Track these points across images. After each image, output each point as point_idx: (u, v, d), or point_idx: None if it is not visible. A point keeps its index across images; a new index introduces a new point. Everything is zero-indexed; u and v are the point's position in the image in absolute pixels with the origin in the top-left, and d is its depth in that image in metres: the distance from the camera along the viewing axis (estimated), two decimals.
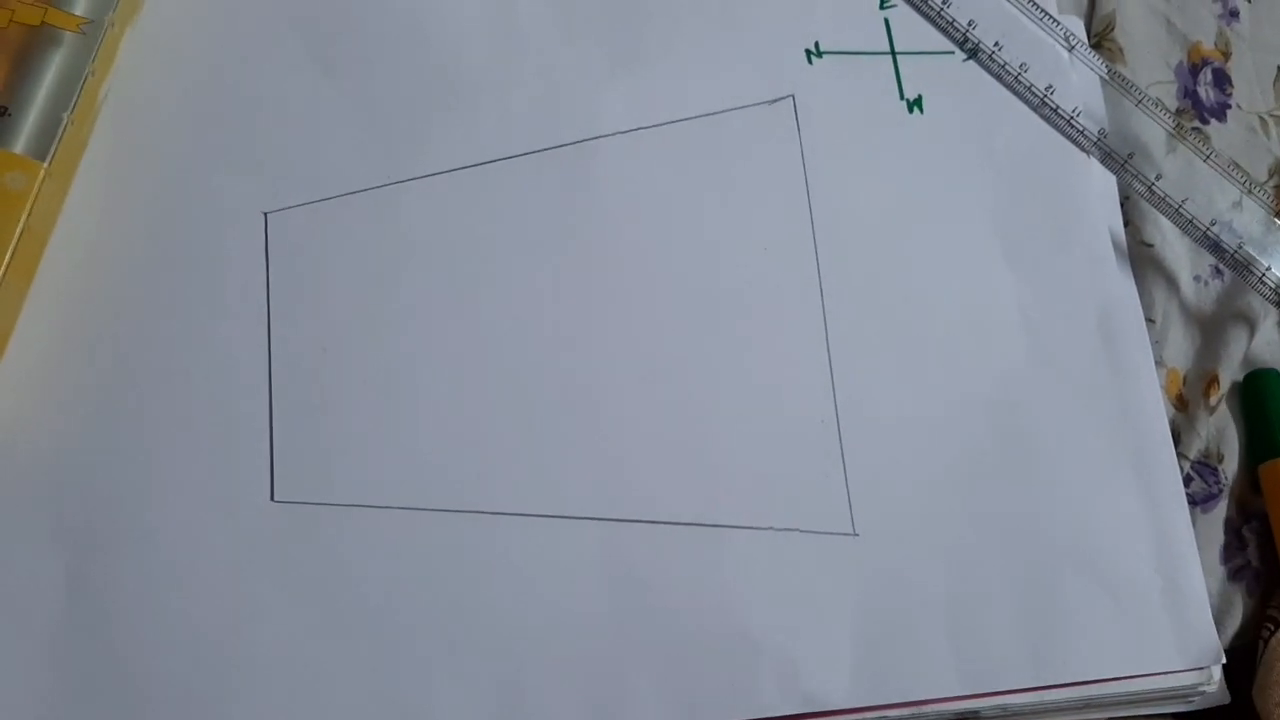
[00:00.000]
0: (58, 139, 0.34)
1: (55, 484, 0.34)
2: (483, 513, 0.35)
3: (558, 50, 0.40)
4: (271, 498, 0.34)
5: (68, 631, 0.33)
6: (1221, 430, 0.41)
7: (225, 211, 0.37)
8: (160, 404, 0.35)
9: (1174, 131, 0.42)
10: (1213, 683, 0.37)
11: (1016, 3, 0.42)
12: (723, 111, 0.40)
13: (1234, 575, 0.40)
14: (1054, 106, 0.42)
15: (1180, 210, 0.41)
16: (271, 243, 0.36)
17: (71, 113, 0.34)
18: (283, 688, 0.33)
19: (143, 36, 0.38)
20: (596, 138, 0.39)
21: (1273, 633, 0.38)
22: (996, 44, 0.42)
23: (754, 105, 0.40)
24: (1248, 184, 0.41)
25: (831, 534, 0.36)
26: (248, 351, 0.35)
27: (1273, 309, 0.42)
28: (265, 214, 0.37)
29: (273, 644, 0.33)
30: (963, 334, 0.39)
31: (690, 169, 0.39)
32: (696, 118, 0.39)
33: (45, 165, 0.34)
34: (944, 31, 0.42)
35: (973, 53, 0.42)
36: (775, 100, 0.40)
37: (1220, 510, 0.40)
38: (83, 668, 0.32)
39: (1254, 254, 0.41)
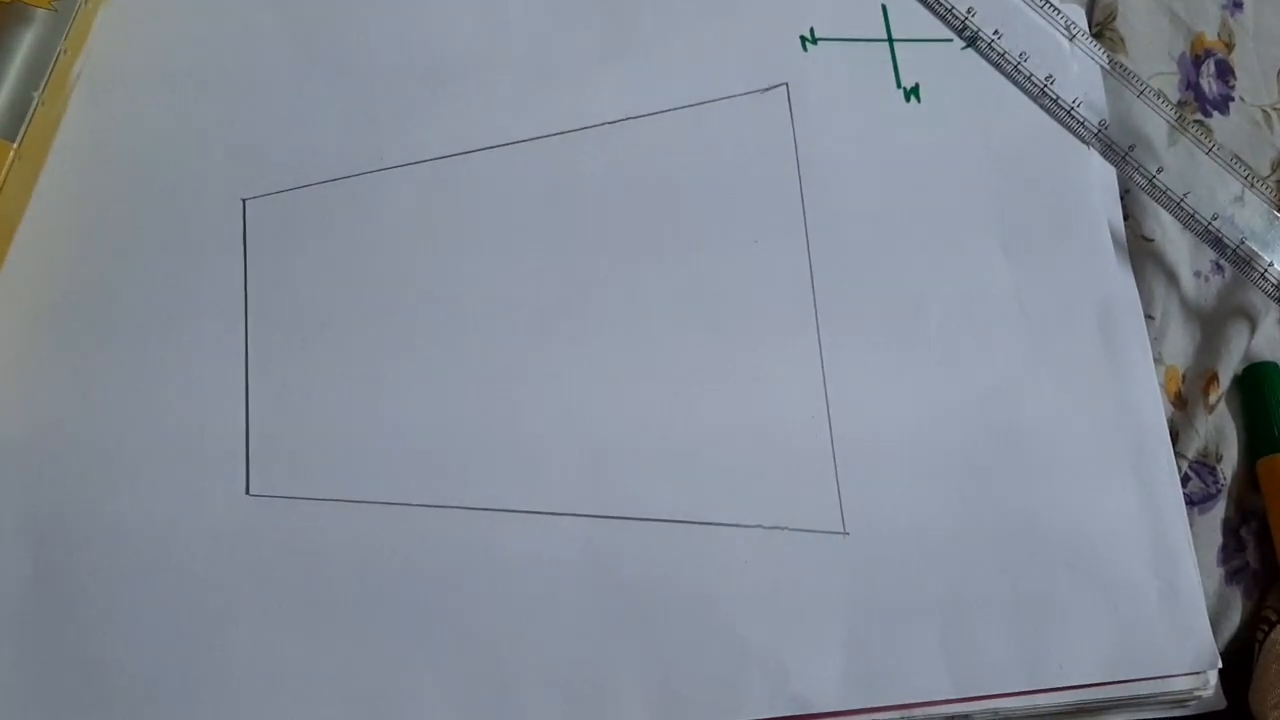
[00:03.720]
0: (28, 119, 0.33)
1: (24, 474, 0.33)
2: (464, 508, 0.34)
3: (547, 37, 0.39)
4: (247, 491, 0.34)
5: (35, 625, 0.32)
6: (1220, 429, 0.41)
7: (202, 197, 0.36)
8: (133, 393, 0.34)
9: (1176, 124, 0.41)
10: (1209, 687, 0.37)
11: None
12: (714, 100, 0.39)
13: (1232, 577, 0.39)
14: (1054, 97, 0.41)
15: (1181, 204, 0.41)
16: (250, 230, 0.36)
17: (42, 92, 0.33)
18: (257, 683, 0.32)
19: (117, 15, 0.37)
20: (585, 127, 0.38)
21: (1267, 634, 0.38)
22: (996, 32, 0.41)
23: (747, 94, 0.39)
24: (1250, 178, 0.41)
25: (821, 532, 0.36)
26: (224, 341, 0.35)
27: (1274, 305, 0.41)
28: (244, 200, 0.36)
29: (247, 639, 0.33)
30: (958, 328, 0.38)
31: (680, 159, 0.38)
32: (687, 107, 0.39)
33: (15, 146, 0.33)
34: (943, 19, 0.42)
35: (972, 40, 0.42)
36: (768, 89, 0.40)
37: (1218, 511, 0.40)
38: (50, 662, 0.32)
39: (1256, 249, 0.40)
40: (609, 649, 0.34)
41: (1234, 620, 0.39)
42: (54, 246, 0.35)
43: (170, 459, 0.33)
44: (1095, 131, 0.41)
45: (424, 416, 0.35)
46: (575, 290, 0.37)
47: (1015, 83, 0.41)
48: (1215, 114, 0.44)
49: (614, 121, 0.38)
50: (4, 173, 0.33)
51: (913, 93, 0.41)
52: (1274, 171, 0.44)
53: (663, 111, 0.39)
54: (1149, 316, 0.40)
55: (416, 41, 0.38)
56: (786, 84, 0.40)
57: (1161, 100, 0.41)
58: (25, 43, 0.34)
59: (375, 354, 0.35)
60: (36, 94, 0.33)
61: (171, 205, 0.36)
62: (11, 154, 0.33)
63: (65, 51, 0.34)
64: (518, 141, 0.38)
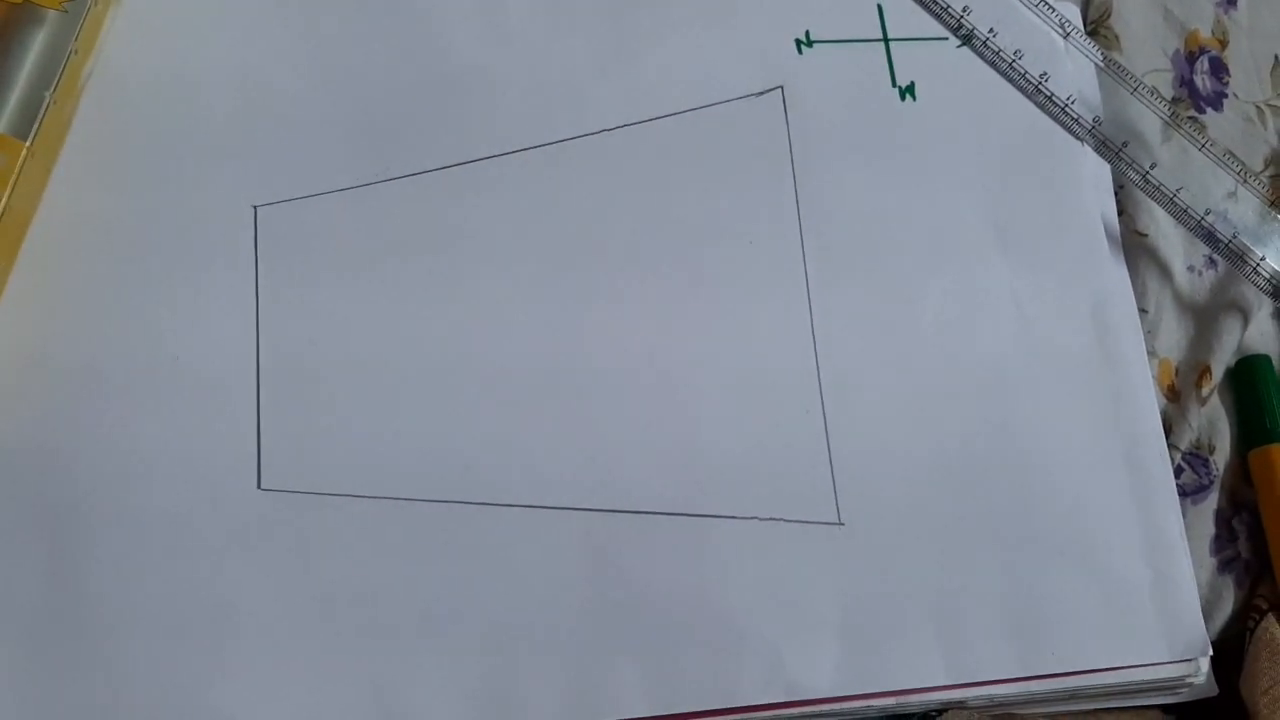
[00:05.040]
0: (40, 118, 0.34)
1: (39, 469, 0.33)
2: (468, 503, 0.35)
3: (547, 46, 0.39)
4: (258, 486, 0.34)
5: (50, 617, 0.32)
6: (1213, 421, 0.41)
7: (214, 201, 0.36)
8: (147, 390, 0.34)
9: (1169, 120, 0.41)
10: (1200, 674, 0.37)
11: None
12: (710, 105, 0.39)
13: (1224, 567, 0.40)
14: (1048, 94, 0.41)
15: (1175, 199, 0.41)
16: (261, 236, 0.36)
17: (54, 92, 0.34)
18: (267, 675, 0.33)
19: (127, 18, 0.37)
20: (585, 135, 0.38)
21: (1258, 622, 0.38)
22: (991, 30, 0.42)
23: (742, 98, 0.40)
24: (1243, 173, 0.41)
25: (817, 523, 0.36)
26: (236, 340, 0.35)
27: (1266, 299, 0.42)
28: (255, 207, 0.36)
29: (257, 631, 0.33)
30: (954, 323, 0.39)
31: (677, 163, 0.39)
32: (684, 112, 0.39)
33: (27, 145, 0.33)
34: (938, 18, 0.42)
35: (967, 39, 0.42)
36: (764, 92, 0.40)
37: (1211, 502, 0.40)
38: (64, 653, 0.32)
39: (1248, 244, 0.41)
40: (608, 637, 0.34)
41: (1226, 609, 0.39)
42: (66, 245, 0.35)
43: (183, 454, 0.34)
44: (1089, 128, 0.42)
45: (428, 414, 0.35)
46: (575, 291, 0.37)
47: (1010, 80, 0.42)
48: (1209, 110, 0.44)
49: (612, 129, 0.39)
50: (16, 171, 0.33)
51: (908, 91, 0.41)
52: (1267, 167, 0.45)
53: (660, 117, 0.39)
54: (1143, 310, 0.41)
55: (420, 53, 0.39)
56: (781, 87, 0.40)
57: (1155, 97, 0.42)
58: (37, 43, 0.34)
59: (382, 354, 0.36)
60: (48, 94, 0.34)
61: (183, 206, 0.36)
62: (24, 152, 0.33)
63: (76, 52, 0.35)
64: (519, 150, 0.38)
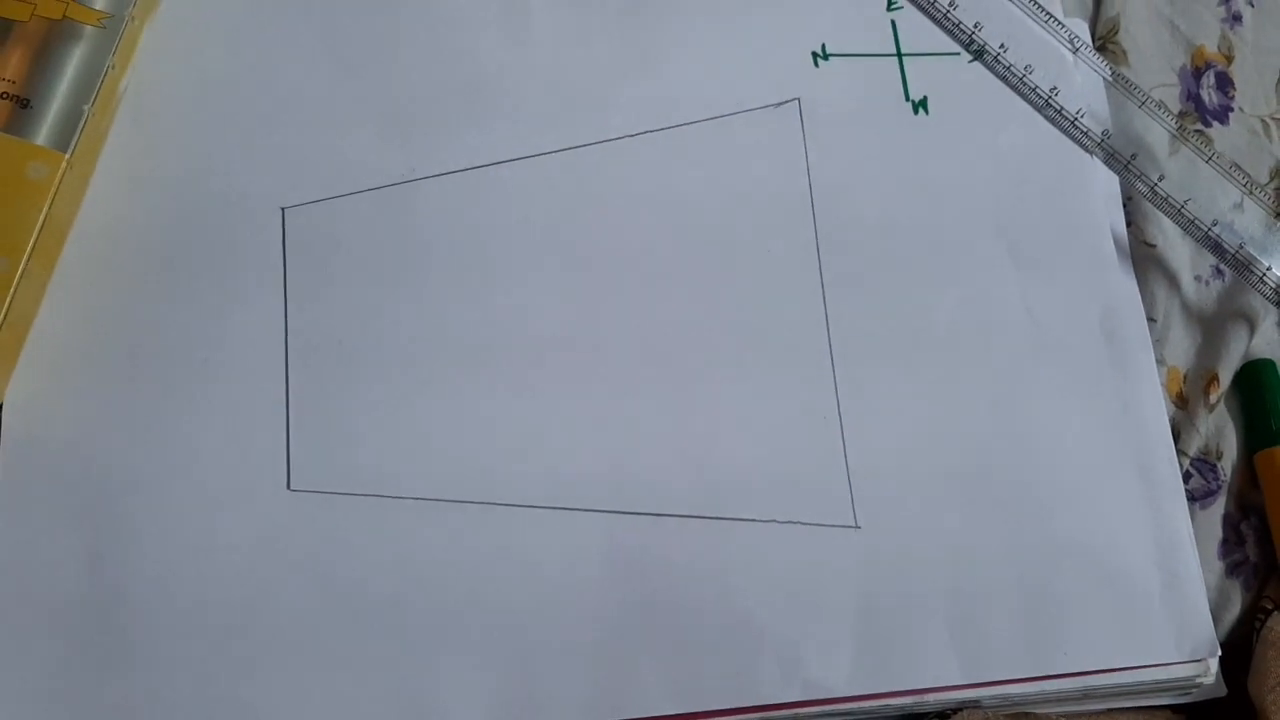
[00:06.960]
0: (79, 131, 0.34)
1: (75, 470, 0.34)
2: (492, 504, 0.35)
3: (570, 53, 0.40)
4: (288, 486, 0.35)
5: (86, 615, 0.33)
6: (1221, 428, 0.41)
7: (243, 205, 0.37)
8: (178, 392, 0.35)
9: (1176, 133, 0.42)
10: (1209, 675, 0.37)
11: (1022, 5, 0.43)
12: (729, 115, 0.40)
13: (1232, 570, 0.40)
14: (1058, 108, 0.42)
15: (1182, 211, 0.41)
16: (289, 237, 0.37)
17: (92, 105, 0.35)
18: (296, 672, 0.33)
19: (162, 31, 0.38)
20: (605, 140, 0.39)
21: (1264, 621, 0.39)
22: (1002, 46, 0.42)
23: (760, 108, 0.40)
24: (1249, 185, 0.42)
25: (834, 526, 0.37)
26: (265, 342, 0.36)
27: (1273, 308, 0.42)
28: (283, 209, 0.37)
29: (286, 629, 0.34)
30: (966, 332, 0.39)
31: (695, 171, 0.39)
32: (703, 121, 0.40)
33: (67, 156, 0.34)
34: (950, 33, 0.43)
35: (978, 54, 0.43)
36: (781, 103, 0.41)
37: (1219, 506, 0.41)
38: (100, 651, 0.33)
39: (1254, 254, 0.41)
40: (630, 637, 0.35)
41: (1234, 612, 0.39)
42: (102, 252, 0.36)
43: (214, 455, 0.35)
44: (1098, 141, 0.42)
45: (456, 417, 0.36)
46: (597, 295, 0.38)
47: (1021, 95, 0.42)
48: (1215, 124, 0.45)
49: (633, 135, 0.39)
50: (56, 182, 0.34)
51: (921, 105, 0.42)
52: (1272, 179, 0.45)
53: (680, 125, 0.40)
54: (1151, 319, 0.41)
55: (446, 59, 0.39)
56: (799, 99, 0.41)
57: (1163, 111, 0.42)
58: (76, 58, 0.35)
59: (409, 356, 0.36)
60: (87, 107, 0.35)
61: (214, 212, 0.37)
62: (64, 164, 0.34)
63: (114, 66, 0.36)
64: (540, 154, 0.39)
